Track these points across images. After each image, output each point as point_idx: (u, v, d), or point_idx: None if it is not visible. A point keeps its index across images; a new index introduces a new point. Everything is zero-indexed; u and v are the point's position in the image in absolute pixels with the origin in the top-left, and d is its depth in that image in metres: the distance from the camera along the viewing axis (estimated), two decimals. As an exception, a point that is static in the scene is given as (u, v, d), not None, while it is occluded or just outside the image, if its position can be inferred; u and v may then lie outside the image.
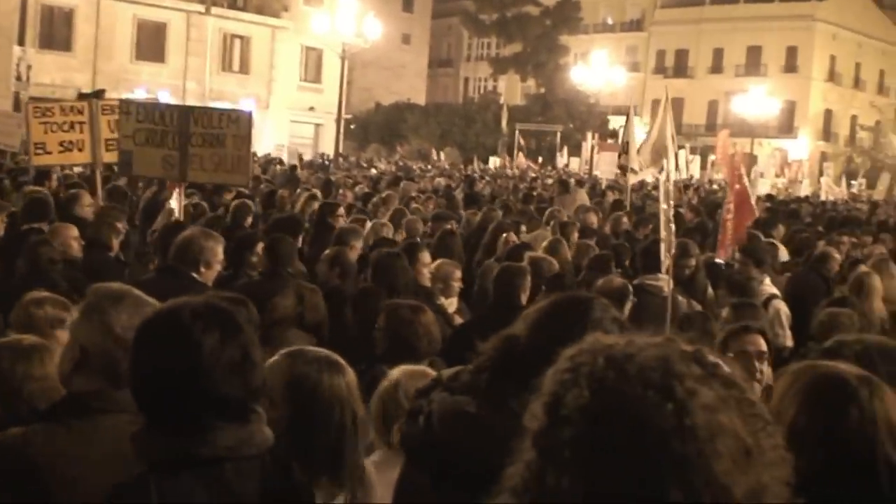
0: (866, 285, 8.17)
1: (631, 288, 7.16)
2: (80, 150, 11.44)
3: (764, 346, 5.11)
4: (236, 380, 2.54)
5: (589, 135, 47.00)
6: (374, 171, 33.42)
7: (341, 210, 11.27)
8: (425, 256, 7.97)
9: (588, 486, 1.34)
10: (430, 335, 5.19)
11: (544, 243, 9.63)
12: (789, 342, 8.00)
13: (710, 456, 1.34)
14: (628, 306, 6.95)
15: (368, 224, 11.00)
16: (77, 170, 14.86)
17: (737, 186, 11.35)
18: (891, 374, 2.76)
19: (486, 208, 13.95)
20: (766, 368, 4.99)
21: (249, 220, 11.04)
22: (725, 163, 33.90)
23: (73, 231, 8.16)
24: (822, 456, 2.34)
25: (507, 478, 1.47)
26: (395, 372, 3.99)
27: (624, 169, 17.51)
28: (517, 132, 51.73)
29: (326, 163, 38.05)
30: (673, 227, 8.45)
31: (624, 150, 18.01)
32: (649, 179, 22.43)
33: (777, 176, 41.20)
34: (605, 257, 9.10)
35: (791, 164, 43.17)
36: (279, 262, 7.42)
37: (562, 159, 49.46)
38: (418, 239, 9.77)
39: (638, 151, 16.62)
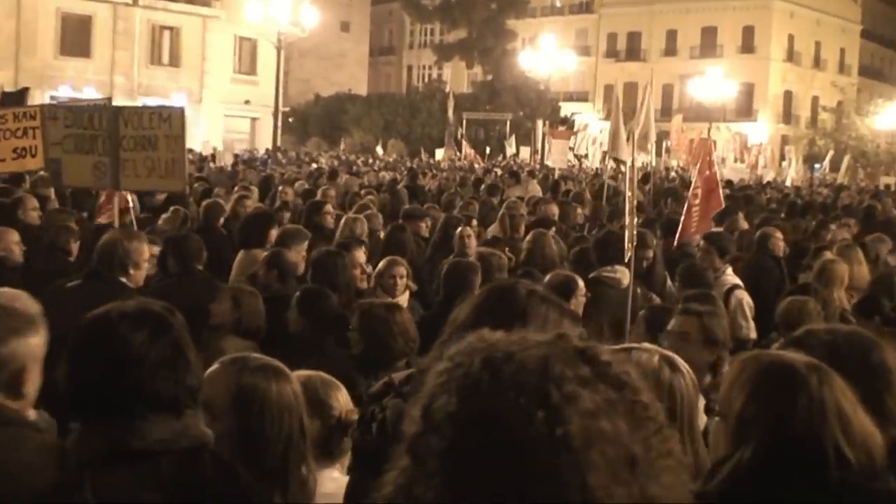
0: (829, 272, 8.28)
1: (580, 282, 7.15)
2: (32, 155, 11.38)
3: (695, 330, 5.14)
4: (168, 375, 2.67)
5: (539, 123, 47.20)
6: (314, 166, 33.23)
7: (328, 208, 11.18)
8: (359, 255, 7.96)
9: (453, 499, 1.30)
10: (406, 334, 5.31)
11: (528, 237, 9.65)
12: (753, 334, 8.08)
13: (584, 466, 1.28)
14: (579, 300, 6.96)
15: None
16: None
17: (706, 172, 11.46)
18: (856, 363, 2.82)
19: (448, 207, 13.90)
20: (696, 350, 5.04)
21: (221, 220, 11.05)
22: (684, 149, 34.26)
23: (14, 236, 8.26)
24: (771, 445, 2.41)
25: (381, 484, 1.42)
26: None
27: (579, 158, 17.56)
28: (464, 122, 51.81)
29: (266, 158, 37.82)
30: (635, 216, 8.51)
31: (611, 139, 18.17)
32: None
33: (737, 161, 41.63)
34: (586, 251, 9.09)
35: (750, 148, 43.65)
36: (188, 261, 7.53)
37: (511, 149, 49.59)
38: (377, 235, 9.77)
39: (628, 140, 16.78)
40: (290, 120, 62.37)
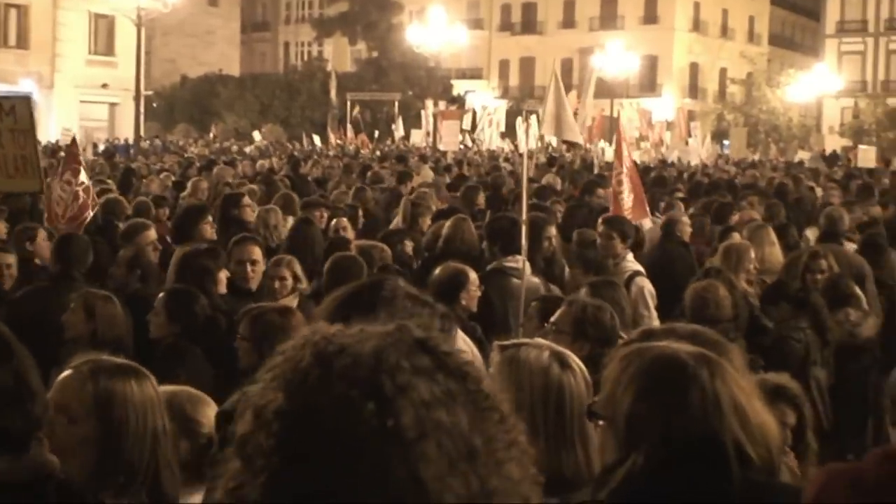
0: (735, 254, 8.49)
1: (472, 274, 7.21)
2: None
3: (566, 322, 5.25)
4: (12, 409, 2.65)
5: (430, 103, 47.25)
6: (185, 155, 32.76)
7: (247, 200, 11.01)
8: (251, 251, 7.79)
9: (279, 499, 1.32)
10: None
11: (448, 223, 9.70)
12: (655, 322, 8.21)
13: (416, 459, 1.31)
14: (472, 293, 7.01)
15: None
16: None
17: (626, 155, 11.58)
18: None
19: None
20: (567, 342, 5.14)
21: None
22: (598, 131, 34.67)
23: None
24: (666, 447, 2.41)
25: (210, 490, 1.47)
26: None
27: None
28: (348, 103, 51.61)
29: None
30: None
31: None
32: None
33: (641, 138, 42.27)
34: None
35: (654, 125, 44.37)
36: (70, 264, 7.30)
37: (400, 132, 49.57)
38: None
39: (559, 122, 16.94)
40: (155, 105, 61.31)
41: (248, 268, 7.51)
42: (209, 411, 3.91)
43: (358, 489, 1.30)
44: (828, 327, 7.49)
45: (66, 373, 3.29)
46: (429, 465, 1.32)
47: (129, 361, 3.47)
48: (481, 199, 14.04)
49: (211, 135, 54.85)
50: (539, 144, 25.56)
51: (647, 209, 11.73)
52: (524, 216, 8.40)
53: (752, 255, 8.62)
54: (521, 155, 8.96)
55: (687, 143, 36.69)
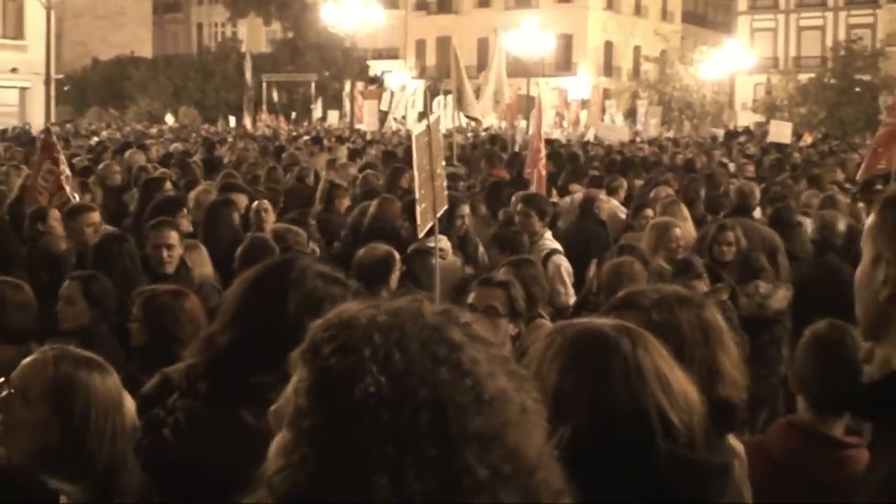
0: (659, 231, 8.62)
1: (397, 255, 7.23)
2: None
3: (500, 302, 5.29)
4: None
5: (347, 83, 47.06)
6: (96, 139, 32.22)
7: (168, 185, 10.84)
8: (167, 235, 7.73)
9: (396, 479, 1.39)
10: (195, 322, 5.17)
11: (373, 203, 9.74)
12: (571, 300, 8.30)
13: (504, 426, 1.44)
14: (396, 274, 7.04)
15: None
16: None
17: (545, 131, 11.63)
18: (691, 322, 2.94)
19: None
20: (503, 324, 5.19)
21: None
22: (512, 110, 34.73)
23: None
24: (592, 420, 2.42)
25: (265, 478, 1.53)
26: None
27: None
28: (264, 84, 51.16)
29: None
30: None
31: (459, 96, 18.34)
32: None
33: (558, 117, 42.56)
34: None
35: (570, 104, 44.68)
36: None
37: (318, 113, 49.31)
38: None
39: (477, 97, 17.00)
40: (66, 88, 60.28)
41: (164, 252, 7.43)
42: (127, 401, 3.89)
43: (469, 461, 1.42)
44: (738, 298, 7.63)
45: (32, 356, 3.30)
46: (513, 430, 1.46)
47: (96, 356, 3.42)
48: (405, 180, 14.06)
49: (124, 118, 54.03)
50: (462, 123, 25.61)
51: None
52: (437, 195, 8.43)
53: (677, 232, 8.73)
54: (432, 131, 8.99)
55: (602, 121, 36.98)
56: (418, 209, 7.90)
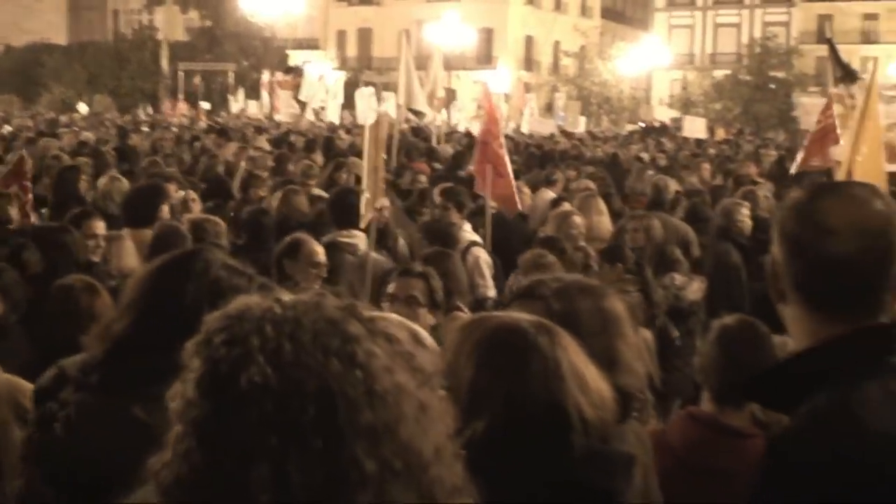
0: (566, 224, 8.70)
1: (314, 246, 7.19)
2: None
3: (420, 291, 5.31)
4: None
5: (266, 73, 46.67)
6: (8, 128, 31.56)
7: (84, 176, 10.62)
8: (94, 225, 7.62)
9: (279, 471, 1.38)
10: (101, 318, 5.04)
11: (278, 194, 9.70)
12: (491, 292, 8.34)
13: (397, 421, 1.43)
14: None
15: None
16: None
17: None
18: (591, 311, 2.96)
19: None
20: (423, 314, 5.19)
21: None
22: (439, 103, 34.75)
23: None
24: (507, 414, 2.43)
25: (152, 472, 1.49)
26: None
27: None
28: (181, 73, 50.55)
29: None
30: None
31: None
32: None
33: (479, 109, 42.62)
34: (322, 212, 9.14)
35: (490, 97, 44.70)
36: None
37: (237, 103, 48.82)
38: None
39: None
40: (-22, 76, 59.11)
41: (93, 242, 7.48)
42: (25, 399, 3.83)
43: (358, 455, 1.40)
44: (653, 290, 7.74)
45: None
46: (408, 425, 1.45)
47: None
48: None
49: (39, 106, 53.05)
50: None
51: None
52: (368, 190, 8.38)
53: (578, 221, 8.85)
54: (360, 126, 8.92)
55: (521, 115, 37.13)
56: (363, 199, 7.90)
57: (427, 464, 1.46)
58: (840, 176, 9.45)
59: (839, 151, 11.95)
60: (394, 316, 3.72)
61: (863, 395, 2.25)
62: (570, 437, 2.42)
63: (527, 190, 12.09)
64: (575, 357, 2.52)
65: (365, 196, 7.97)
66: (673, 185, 11.66)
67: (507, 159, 10.65)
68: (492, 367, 2.49)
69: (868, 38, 71.83)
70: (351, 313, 1.52)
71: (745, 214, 9.39)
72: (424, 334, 3.45)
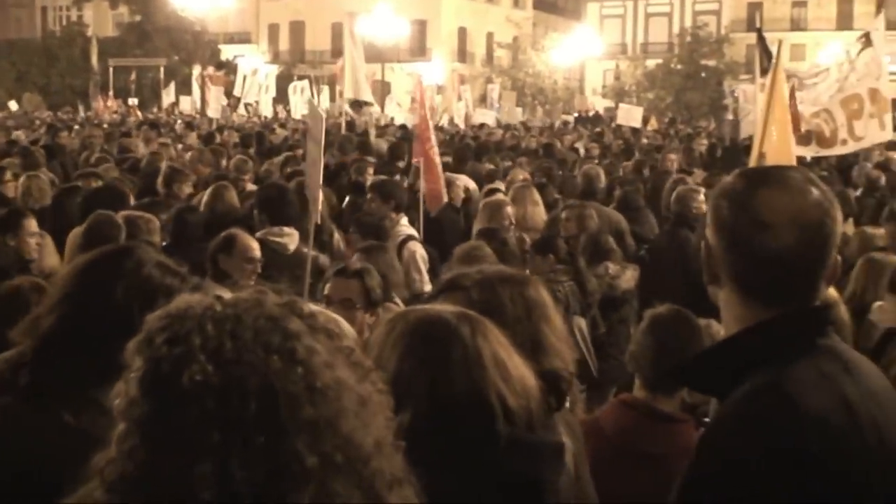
0: (490, 211, 8.78)
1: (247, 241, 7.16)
2: None
3: (355, 293, 5.33)
4: None
5: (197, 68, 46.28)
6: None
7: (9, 175, 10.41)
8: (30, 224, 7.54)
9: (221, 467, 1.41)
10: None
11: (208, 190, 9.69)
12: (427, 286, 8.35)
13: (338, 415, 1.46)
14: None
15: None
16: None
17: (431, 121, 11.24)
18: (513, 299, 3.00)
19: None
20: (359, 315, 5.23)
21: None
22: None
23: None
24: (431, 405, 2.45)
25: (96, 470, 1.50)
26: None
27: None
28: (111, 69, 49.95)
29: None
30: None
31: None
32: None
33: (413, 102, 42.60)
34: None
35: (426, 89, 44.73)
36: None
37: (168, 98, 48.35)
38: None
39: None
40: None
41: (33, 241, 7.46)
42: None
43: (299, 450, 1.42)
44: (587, 279, 7.81)
45: None
46: (348, 419, 1.48)
47: None
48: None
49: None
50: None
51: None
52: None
53: (509, 210, 8.92)
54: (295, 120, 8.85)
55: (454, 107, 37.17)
56: (310, 195, 7.86)
57: (368, 457, 1.48)
58: (752, 160, 9.57)
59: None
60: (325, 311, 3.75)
61: (796, 377, 2.30)
62: (495, 426, 2.43)
63: (473, 185, 12.12)
64: (498, 346, 2.54)
65: (310, 192, 7.97)
66: (603, 174, 11.73)
67: (434, 153, 10.66)
68: (414, 358, 2.51)
69: (797, 25, 72.83)
70: (291, 310, 1.55)
71: (700, 200, 9.49)
72: (345, 324, 3.47)
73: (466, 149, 18.32)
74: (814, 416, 2.25)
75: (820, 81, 13.59)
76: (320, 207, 8.82)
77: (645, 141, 25.58)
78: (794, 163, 9.08)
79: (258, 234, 8.21)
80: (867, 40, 13.38)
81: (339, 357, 1.54)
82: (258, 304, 1.54)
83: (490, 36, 78.29)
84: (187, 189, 10.94)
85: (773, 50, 11.23)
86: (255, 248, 7.03)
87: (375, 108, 33.64)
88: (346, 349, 1.57)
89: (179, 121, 32.40)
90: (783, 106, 10.02)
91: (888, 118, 13.58)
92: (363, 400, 1.52)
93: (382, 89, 51.04)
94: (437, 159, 10.70)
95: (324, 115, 8.70)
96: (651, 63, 67.68)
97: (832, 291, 5.33)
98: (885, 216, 8.60)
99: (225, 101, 33.10)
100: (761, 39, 13.72)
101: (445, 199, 10.64)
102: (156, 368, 1.48)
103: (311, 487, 1.42)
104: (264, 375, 1.44)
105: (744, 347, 2.41)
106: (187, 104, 45.74)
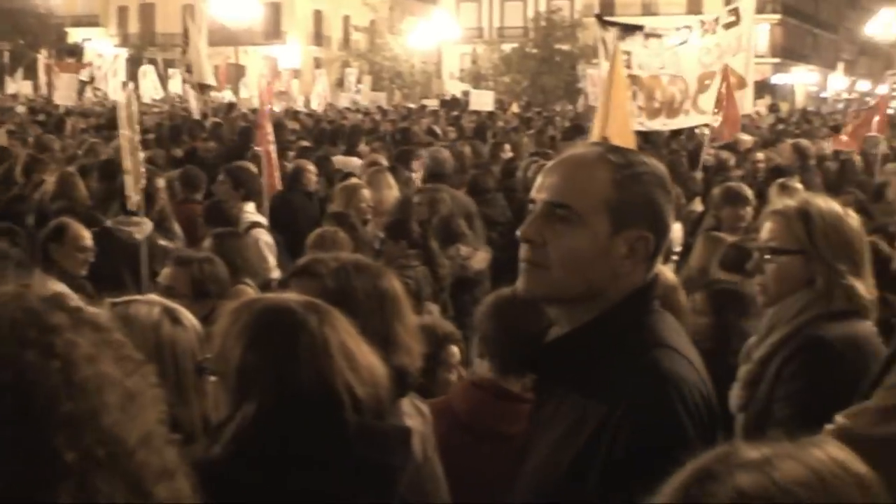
0: (346, 194, 8.84)
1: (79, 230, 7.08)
2: None
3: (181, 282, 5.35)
4: None
5: (42, 53, 44.96)
6: None
7: None
8: None
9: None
10: None
11: (54, 179, 9.45)
12: (275, 273, 8.31)
13: (99, 410, 1.42)
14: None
15: None
16: None
17: (268, 108, 11.04)
18: (367, 290, 3.04)
19: None
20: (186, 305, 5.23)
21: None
22: (224, 79, 34.19)
23: None
24: (277, 395, 2.46)
25: None
26: None
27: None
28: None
29: None
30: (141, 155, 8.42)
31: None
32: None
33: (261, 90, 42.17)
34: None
35: (281, 73, 44.45)
36: None
37: (14, 84, 46.86)
38: None
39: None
40: None
41: None
42: None
43: (56, 446, 1.37)
44: (439, 263, 7.90)
45: None
46: (110, 414, 1.43)
47: None
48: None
49: None
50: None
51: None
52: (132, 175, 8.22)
53: (365, 193, 8.96)
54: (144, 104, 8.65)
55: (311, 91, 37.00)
56: (127, 180, 7.73)
57: (132, 450, 1.45)
58: (594, 136, 9.78)
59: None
60: (152, 296, 3.72)
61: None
62: (343, 414, 2.45)
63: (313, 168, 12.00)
64: (345, 336, 2.56)
65: (128, 178, 7.85)
66: (450, 157, 11.75)
67: (271, 147, 10.60)
68: (260, 347, 2.51)
69: (649, 10, 74.26)
70: (56, 304, 1.51)
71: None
72: (186, 313, 3.45)
73: (322, 133, 18.26)
74: (697, 364, 2.51)
75: (681, 40, 13.53)
76: (163, 195, 8.73)
77: (500, 124, 25.86)
78: (633, 145, 9.30)
79: (109, 223, 8.10)
80: (737, 17, 13.46)
81: (105, 351, 1.50)
82: (19, 297, 1.50)
83: (346, 19, 77.85)
84: (47, 177, 10.69)
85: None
86: (87, 238, 6.96)
87: (225, 93, 33.19)
88: (114, 343, 1.53)
89: (21, 106, 31.49)
90: (620, 89, 10.31)
91: (740, 98, 14.04)
92: (130, 394, 1.48)
93: (237, 73, 50.43)
94: (273, 151, 10.63)
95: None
96: (507, 47, 68.21)
97: (671, 276, 5.49)
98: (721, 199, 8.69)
99: (77, 87, 32.20)
100: (603, 22, 14.01)
101: (279, 187, 10.56)
102: None
103: (71, 483, 1.38)
104: (18, 370, 1.40)
105: (596, 333, 2.54)
106: (28, 89, 44.42)
